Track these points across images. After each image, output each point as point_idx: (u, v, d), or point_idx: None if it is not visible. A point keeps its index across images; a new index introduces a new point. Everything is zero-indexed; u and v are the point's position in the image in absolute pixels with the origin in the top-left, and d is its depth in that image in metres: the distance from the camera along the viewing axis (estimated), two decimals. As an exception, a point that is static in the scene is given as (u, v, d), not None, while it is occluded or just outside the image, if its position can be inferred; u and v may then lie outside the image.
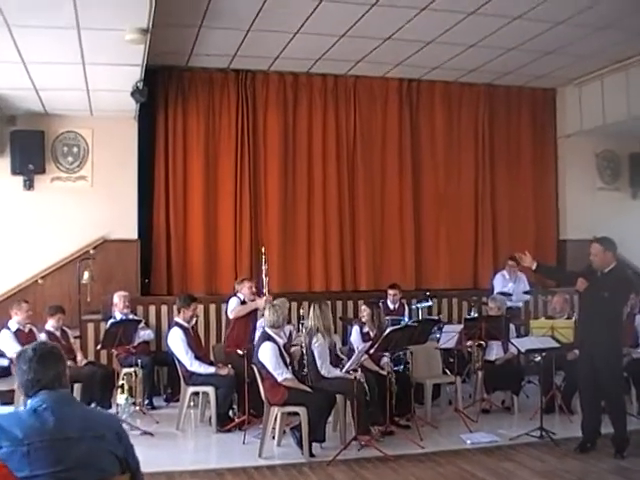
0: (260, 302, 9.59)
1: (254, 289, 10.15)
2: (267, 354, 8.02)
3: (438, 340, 9.78)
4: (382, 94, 13.56)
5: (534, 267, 8.51)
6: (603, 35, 11.09)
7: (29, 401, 3.51)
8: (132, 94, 10.39)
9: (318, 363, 8.43)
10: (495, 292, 12.23)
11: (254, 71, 12.86)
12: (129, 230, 12.18)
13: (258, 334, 8.98)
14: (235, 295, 10.19)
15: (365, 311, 9.58)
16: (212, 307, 11.81)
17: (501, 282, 12.62)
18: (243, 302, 10.03)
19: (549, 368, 9.52)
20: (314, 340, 8.48)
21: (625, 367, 9.25)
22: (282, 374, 7.95)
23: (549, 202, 14.53)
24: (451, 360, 10.23)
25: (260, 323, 9.53)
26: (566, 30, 10.85)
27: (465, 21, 10.46)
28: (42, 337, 9.50)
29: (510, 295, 12.12)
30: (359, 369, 8.24)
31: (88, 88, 10.55)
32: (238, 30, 10.76)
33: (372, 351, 8.59)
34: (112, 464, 3.50)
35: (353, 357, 8.14)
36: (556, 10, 10.09)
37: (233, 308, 9.97)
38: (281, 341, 8.30)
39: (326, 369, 8.46)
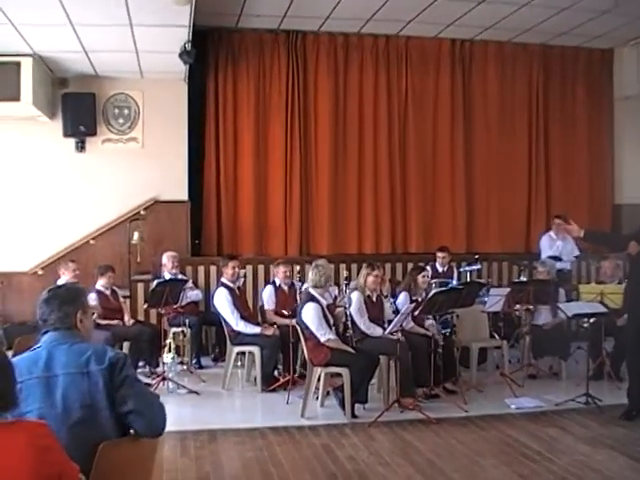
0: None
1: (289, 273, 10.13)
2: (310, 314, 8.04)
3: (485, 303, 9.67)
4: (434, 55, 13.36)
5: (582, 235, 8.29)
6: (661, -6, 10.79)
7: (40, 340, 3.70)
8: (180, 56, 10.38)
9: (356, 319, 8.44)
10: (543, 254, 12.08)
11: (304, 32, 12.77)
12: (180, 191, 12.23)
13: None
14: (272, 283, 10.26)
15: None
16: (261, 268, 11.85)
17: (548, 243, 12.34)
18: (278, 288, 10.03)
19: (598, 334, 9.37)
20: (352, 297, 8.50)
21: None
22: (325, 335, 7.96)
23: (604, 166, 14.23)
24: (499, 324, 10.12)
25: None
26: (623, -12, 10.58)
27: (518, -20, 10.26)
28: (92, 296, 9.62)
29: (559, 259, 11.89)
30: (400, 332, 8.20)
31: (137, 50, 10.56)
32: (288, -11, 10.69)
33: (416, 313, 8.55)
34: (100, 401, 3.58)
35: (396, 318, 8.09)
36: (612, -33, 9.86)
37: (267, 301, 10.01)
38: (324, 302, 8.30)
39: (364, 324, 8.49)
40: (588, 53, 14.04)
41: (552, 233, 12.36)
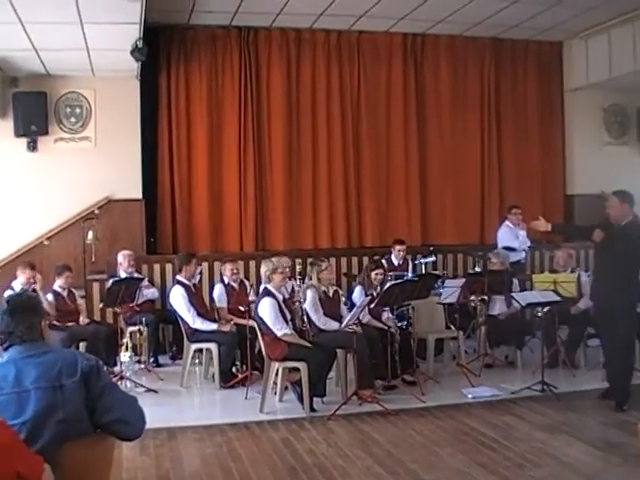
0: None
1: (236, 271, 10.17)
2: (266, 309, 8.05)
3: (440, 295, 9.76)
4: (386, 49, 13.42)
5: (549, 229, 8.43)
6: (607, -14, 10.95)
7: (4, 354, 3.55)
8: (132, 53, 10.31)
9: (311, 315, 8.50)
10: (501, 245, 12.15)
11: (256, 28, 12.75)
12: (133, 190, 12.17)
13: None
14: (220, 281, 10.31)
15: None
16: (217, 265, 11.82)
17: (508, 233, 12.38)
18: (227, 285, 10.05)
19: (552, 323, 9.52)
20: (307, 294, 8.54)
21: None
22: (281, 329, 7.98)
23: (556, 157, 14.41)
24: (455, 315, 10.21)
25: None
26: (571, -19, 10.72)
27: (468, -27, 10.34)
28: (48, 297, 9.55)
29: (513, 249, 11.98)
30: (358, 325, 8.25)
31: (88, 48, 10.47)
32: (239, -15, 10.68)
33: (372, 306, 8.61)
34: (75, 413, 3.50)
35: (352, 311, 8.15)
36: (560, -39, 9.98)
37: (218, 299, 10.05)
38: (280, 296, 8.32)
39: (320, 320, 8.53)
40: (538, 46, 14.19)
41: (509, 223, 12.42)
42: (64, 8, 8.73)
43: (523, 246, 12.24)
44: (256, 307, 8.21)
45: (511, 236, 12.29)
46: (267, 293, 8.22)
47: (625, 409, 7.73)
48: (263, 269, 8.50)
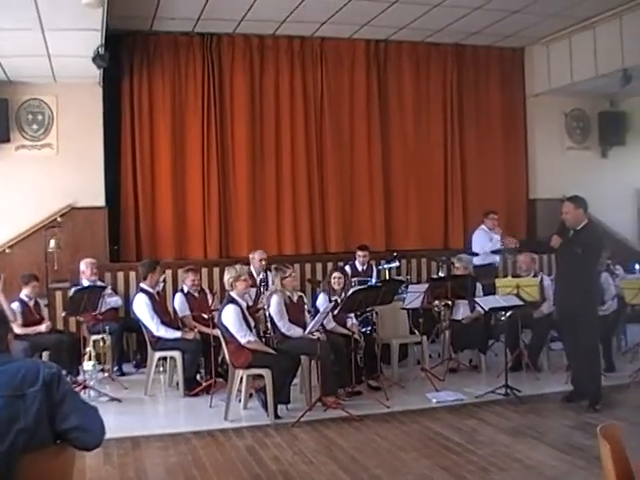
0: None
1: (197, 281, 10.17)
2: (230, 317, 8.02)
3: (404, 300, 9.79)
4: (349, 55, 13.47)
5: (518, 245, 8.58)
6: (568, -7, 11.08)
7: None
8: (93, 59, 10.26)
9: (276, 321, 8.48)
10: (479, 249, 12.31)
11: (219, 34, 12.75)
12: (96, 197, 12.08)
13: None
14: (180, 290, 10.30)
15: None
16: (181, 272, 11.75)
17: (482, 236, 12.49)
18: (187, 294, 10.03)
19: (515, 326, 9.59)
20: (271, 299, 8.52)
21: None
22: (245, 336, 7.96)
23: (518, 161, 14.55)
24: (420, 320, 10.26)
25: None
26: (531, -12, 10.82)
27: (429, -20, 10.41)
28: (13, 306, 9.48)
29: (476, 254, 12.06)
30: (322, 331, 8.26)
31: (49, 54, 10.40)
32: (200, -8, 10.67)
33: (336, 312, 8.63)
34: (36, 422, 3.46)
35: (316, 318, 8.15)
36: (519, -32, 10.09)
37: (179, 309, 10.00)
38: (244, 303, 8.31)
39: (285, 326, 8.51)
40: (500, 52, 14.33)
41: (485, 227, 12.52)
42: (24, 14, 8.67)
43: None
44: (220, 314, 8.19)
45: (485, 239, 12.43)
46: (230, 300, 8.19)
47: (598, 409, 7.83)
48: (226, 277, 8.46)
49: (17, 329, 9.18)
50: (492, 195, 14.11)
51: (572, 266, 7.97)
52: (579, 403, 8.08)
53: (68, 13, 8.67)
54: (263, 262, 10.84)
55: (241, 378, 8.12)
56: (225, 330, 8.04)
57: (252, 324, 8.26)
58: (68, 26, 9.21)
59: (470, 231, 13.14)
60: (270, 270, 9.64)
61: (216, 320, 8.40)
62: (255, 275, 10.62)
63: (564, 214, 8.11)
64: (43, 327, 9.79)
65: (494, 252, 12.20)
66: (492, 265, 12.22)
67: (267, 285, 9.11)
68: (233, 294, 8.26)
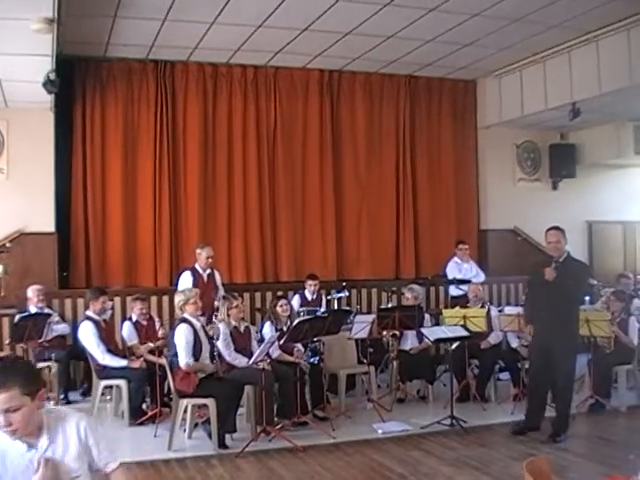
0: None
1: (145, 310, 10.05)
2: (180, 336, 7.98)
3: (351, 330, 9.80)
4: (303, 85, 13.53)
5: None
6: (519, 27, 11.25)
7: None
8: (44, 85, 10.16)
9: (222, 350, 8.44)
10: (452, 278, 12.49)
11: (173, 61, 12.74)
12: (46, 223, 11.96)
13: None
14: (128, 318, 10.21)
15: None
16: (129, 300, 11.67)
17: (454, 268, 12.62)
18: (136, 323, 9.93)
19: (462, 357, 9.66)
20: (218, 328, 8.49)
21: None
22: (184, 358, 7.89)
23: (470, 192, 14.69)
24: (369, 350, 10.29)
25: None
26: (482, 22, 10.97)
27: (381, 12, 10.51)
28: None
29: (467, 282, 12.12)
30: (268, 360, 8.24)
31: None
32: (153, 20, 10.65)
33: (281, 342, 8.62)
34: None
35: (260, 348, 8.13)
36: (470, 2, 10.26)
37: (128, 337, 9.88)
38: (198, 324, 8.23)
39: (230, 356, 8.49)
40: (452, 84, 14.49)
41: (457, 258, 12.65)
42: (-27, 38, 8.64)
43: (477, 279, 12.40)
44: (172, 336, 8.14)
45: (455, 270, 12.58)
46: (183, 320, 8.14)
47: (560, 440, 7.92)
48: (176, 300, 8.43)
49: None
50: (444, 225, 14.24)
51: (555, 298, 7.93)
52: (529, 435, 8.14)
53: (18, 38, 8.64)
54: (210, 260, 10.71)
55: (185, 407, 8.06)
56: (174, 355, 7.98)
57: (206, 345, 8.17)
58: (18, 51, 9.17)
59: (424, 261, 13.31)
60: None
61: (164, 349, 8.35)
62: (201, 272, 10.61)
63: (554, 243, 8.12)
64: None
65: (462, 282, 12.25)
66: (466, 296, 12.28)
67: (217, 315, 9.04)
68: (186, 315, 8.20)
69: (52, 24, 8.24)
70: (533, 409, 8.35)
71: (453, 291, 12.43)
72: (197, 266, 10.67)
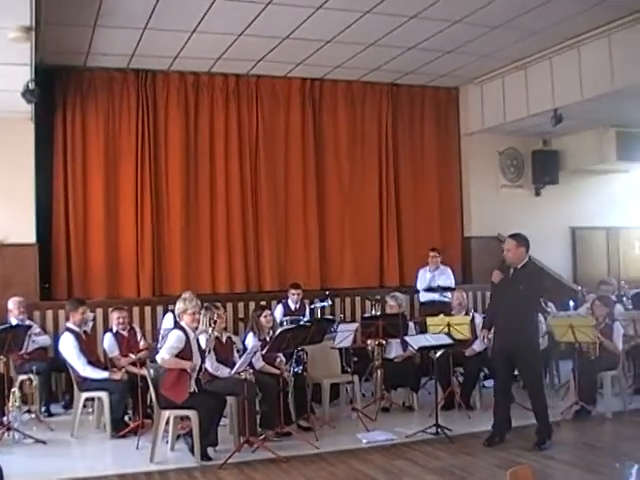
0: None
1: (122, 320, 9.93)
2: (172, 338, 7.91)
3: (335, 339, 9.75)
4: (285, 93, 13.51)
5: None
6: (500, 34, 11.26)
7: None
8: (23, 94, 10.03)
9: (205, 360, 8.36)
10: (419, 287, 12.65)
11: (154, 71, 12.69)
12: (27, 234, 11.81)
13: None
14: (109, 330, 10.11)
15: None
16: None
17: (422, 276, 12.75)
18: (116, 334, 9.82)
19: (446, 365, 9.62)
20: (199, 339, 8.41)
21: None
22: (163, 353, 7.83)
23: (453, 200, 14.68)
24: (355, 359, 10.24)
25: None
26: (463, 29, 10.98)
27: (362, 20, 10.50)
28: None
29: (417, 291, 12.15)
30: (250, 371, 8.16)
31: (-23, 88, 10.28)
32: (133, 29, 10.60)
33: (264, 352, 8.56)
34: None
35: (242, 358, 8.05)
36: (450, 9, 10.22)
37: (109, 349, 9.78)
38: (192, 335, 8.10)
39: (212, 366, 8.43)
40: (435, 91, 14.50)
41: (427, 267, 12.72)
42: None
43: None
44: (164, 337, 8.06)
45: (422, 277, 12.74)
46: (178, 326, 8.08)
47: (545, 447, 7.87)
48: (176, 307, 8.31)
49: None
50: (427, 233, 14.21)
51: (514, 303, 7.97)
52: (501, 445, 8.08)
53: (-5, 47, 8.55)
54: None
55: (167, 419, 7.98)
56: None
57: (197, 358, 8.06)
58: (-4, 60, 9.09)
59: (408, 269, 13.39)
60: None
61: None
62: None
63: (505, 251, 8.18)
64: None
65: (428, 290, 12.29)
66: (435, 302, 12.25)
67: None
68: (182, 323, 8.12)
69: (30, 32, 8.12)
70: (499, 416, 8.29)
71: (421, 297, 12.59)
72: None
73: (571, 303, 12.13)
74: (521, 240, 8.18)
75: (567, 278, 14.95)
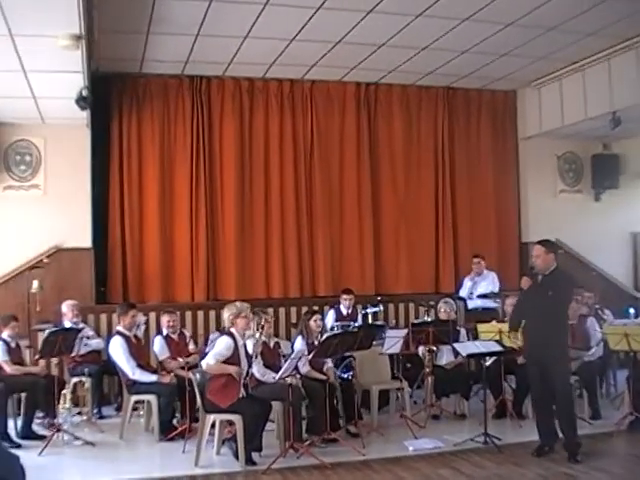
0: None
1: (172, 323, 10.04)
2: (221, 345, 7.92)
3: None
4: (339, 98, 13.47)
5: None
6: (555, 36, 11.05)
7: None
8: (76, 102, 10.17)
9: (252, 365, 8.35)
10: (463, 294, 12.56)
11: (209, 77, 12.77)
12: (83, 238, 12.04)
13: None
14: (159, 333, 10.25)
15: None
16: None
17: (465, 282, 12.71)
18: (166, 337, 9.95)
19: (498, 373, 9.47)
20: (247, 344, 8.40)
21: (576, 371, 9.27)
22: (209, 359, 7.85)
23: (510, 205, 14.45)
24: (408, 365, 10.14)
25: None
26: (516, 31, 10.81)
27: (414, 23, 10.41)
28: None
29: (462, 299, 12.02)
30: (297, 376, 8.13)
31: (34, 96, 10.43)
32: (186, 35, 10.67)
33: (310, 357, 8.52)
34: None
35: (287, 363, 8.02)
36: (504, 11, 10.06)
37: (159, 352, 9.93)
38: (241, 342, 8.10)
39: (259, 371, 8.42)
40: (491, 94, 14.31)
41: (472, 274, 12.62)
42: (4, 57, 8.70)
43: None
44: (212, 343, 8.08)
45: (465, 285, 12.61)
46: (227, 333, 8.07)
47: (579, 459, 7.66)
48: (226, 314, 8.27)
49: (8, 368, 9.29)
50: (484, 239, 14.02)
51: (543, 310, 7.86)
52: (550, 455, 7.91)
53: (47, 55, 8.65)
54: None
55: (213, 423, 7.99)
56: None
57: (244, 364, 8.06)
58: (49, 68, 9.21)
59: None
60: None
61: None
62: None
63: (534, 258, 8.11)
64: (38, 368, 9.76)
65: (482, 296, 12.15)
66: (477, 310, 12.13)
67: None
68: (232, 330, 8.12)
69: (79, 40, 8.23)
70: (543, 426, 8.13)
71: (469, 304, 12.48)
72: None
73: (631, 310, 11.85)
74: (550, 246, 8.13)
75: (627, 285, 14.62)
